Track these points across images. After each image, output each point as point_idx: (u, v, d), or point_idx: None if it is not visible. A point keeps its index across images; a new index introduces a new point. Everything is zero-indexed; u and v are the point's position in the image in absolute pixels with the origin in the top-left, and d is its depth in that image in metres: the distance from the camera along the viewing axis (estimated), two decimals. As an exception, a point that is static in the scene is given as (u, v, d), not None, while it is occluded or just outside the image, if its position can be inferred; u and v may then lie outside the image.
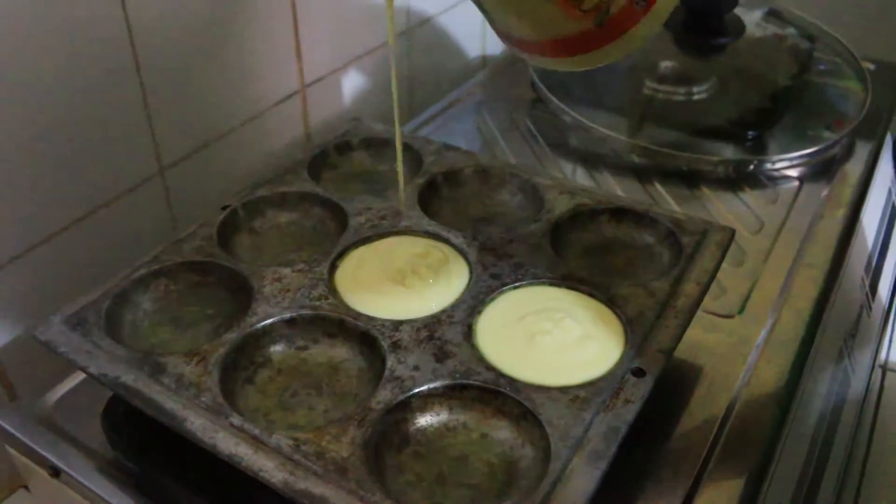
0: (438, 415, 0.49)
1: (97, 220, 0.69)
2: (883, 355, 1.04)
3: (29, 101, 0.61)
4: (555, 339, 0.53)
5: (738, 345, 0.62)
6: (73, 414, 0.57)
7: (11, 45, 0.58)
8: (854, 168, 0.86)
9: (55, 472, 0.54)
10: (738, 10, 0.97)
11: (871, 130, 0.92)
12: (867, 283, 0.84)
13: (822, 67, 1.00)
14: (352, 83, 0.94)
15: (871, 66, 1.00)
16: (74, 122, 0.65)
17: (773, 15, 1.05)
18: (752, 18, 1.01)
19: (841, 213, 0.79)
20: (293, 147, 0.88)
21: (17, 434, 0.56)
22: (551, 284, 0.57)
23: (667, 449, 0.54)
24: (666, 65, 0.97)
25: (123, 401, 0.56)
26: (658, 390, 0.50)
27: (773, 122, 0.91)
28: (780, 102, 0.93)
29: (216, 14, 0.73)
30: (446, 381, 0.49)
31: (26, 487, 0.70)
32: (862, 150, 0.89)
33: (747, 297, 0.67)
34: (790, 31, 1.03)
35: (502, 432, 0.48)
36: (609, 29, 0.50)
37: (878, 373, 0.99)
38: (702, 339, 0.62)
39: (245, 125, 0.81)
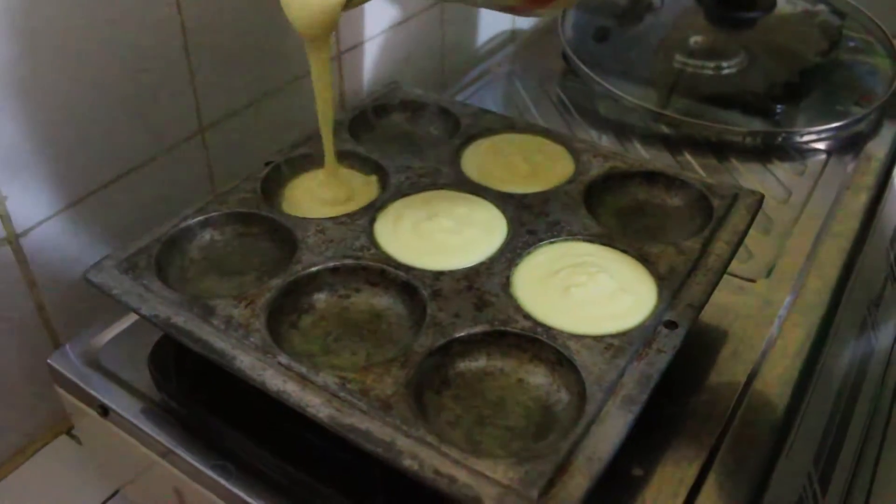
0: (477, 360, 0.50)
1: (139, 176, 0.71)
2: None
3: (75, 63, 0.63)
4: (589, 292, 0.54)
5: (763, 307, 0.64)
6: (120, 357, 0.59)
7: (72, 15, 0.60)
8: (881, 143, 0.86)
9: (104, 412, 0.56)
10: (769, -14, 0.97)
11: (900, 106, 0.92)
12: (892, 254, 0.85)
13: (851, 44, 1.00)
14: (385, 50, 0.95)
15: (902, 43, 1.00)
16: (121, 81, 0.66)
17: (805, -10, 1.05)
18: (783, -7, 1.01)
19: (867, 186, 0.79)
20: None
21: (69, 375, 0.58)
22: (586, 241, 0.58)
23: (694, 403, 0.55)
24: (696, 39, 0.98)
25: (170, 344, 0.58)
26: (687, 347, 0.51)
27: (801, 96, 0.91)
28: (809, 77, 0.93)
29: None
30: (485, 328, 0.50)
31: (68, 433, 0.72)
32: (889, 126, 0.89)
33: (774, 263, 0.68)
34: (821, 6, 1.02)
35: (538, 377, 0.49)
36: None
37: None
38: (729, 300, 0.63)
39: (282, 89, 0.83)
